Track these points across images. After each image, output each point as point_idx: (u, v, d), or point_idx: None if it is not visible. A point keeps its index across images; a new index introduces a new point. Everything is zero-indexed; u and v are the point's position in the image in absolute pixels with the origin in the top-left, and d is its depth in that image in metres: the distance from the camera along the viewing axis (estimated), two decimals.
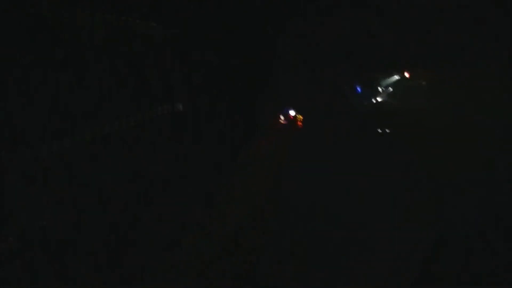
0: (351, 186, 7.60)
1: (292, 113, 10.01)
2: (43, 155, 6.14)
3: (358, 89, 10.83)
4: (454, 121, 9.32)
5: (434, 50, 10.02)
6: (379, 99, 10.94)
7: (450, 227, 6.65)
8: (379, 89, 10.92)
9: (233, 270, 6.11)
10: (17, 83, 6.80)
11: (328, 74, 10.37)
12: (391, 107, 10.75)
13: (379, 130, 10.15)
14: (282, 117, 10.01)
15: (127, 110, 7.67)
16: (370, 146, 9.04)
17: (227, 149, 8.70)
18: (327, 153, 8.50)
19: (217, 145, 8.61)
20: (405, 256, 6.23)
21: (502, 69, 9.35)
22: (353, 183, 7.66)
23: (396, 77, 10.80)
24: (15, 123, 6.05)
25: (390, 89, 10.79)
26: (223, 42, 9.72)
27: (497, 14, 9.32)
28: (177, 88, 9.45)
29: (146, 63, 8.71)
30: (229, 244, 6.47)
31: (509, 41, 9.28)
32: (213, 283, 5.96)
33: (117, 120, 7.55)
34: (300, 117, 9.99)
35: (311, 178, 7.85)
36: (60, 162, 6.27)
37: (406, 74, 10.70)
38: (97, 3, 8.19)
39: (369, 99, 10.94)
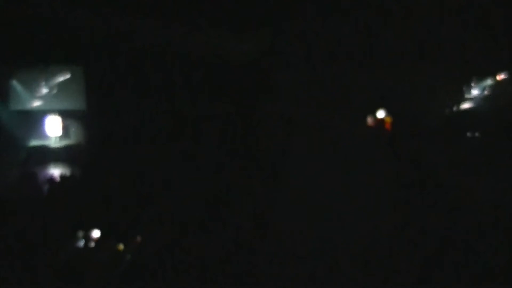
0: None
1: (380, 114, 9.78)
2: None
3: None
4: None
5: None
6: (470, 103, 10.70)
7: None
8: (473, 91, 10.67)
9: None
10: None
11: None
12: (483, 109, 10.49)
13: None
14: (369, 119, 9.82)
15: None
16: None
17: None
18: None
19: None
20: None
21: None
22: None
23: (490, 81, 10.53)
24: None
25: (485, 92, 10.53)
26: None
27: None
28: None
29: None
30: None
31: None
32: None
33: None
34: (388, 119, 9.74)
35: None
36: None
37: (498, 77, 10.44)
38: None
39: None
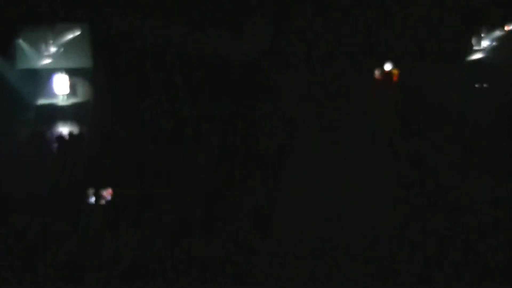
0: None
1: (388, 66, 10.00)
2: None
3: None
4: None
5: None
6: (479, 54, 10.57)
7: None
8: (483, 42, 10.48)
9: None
10: None
11: None
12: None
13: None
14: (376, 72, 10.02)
15: None
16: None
17: None
18: None
19: None
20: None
21: None
22: None
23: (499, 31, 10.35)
24: None
25: (494, 43, 10.38)
26: None
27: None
28: None
29: None
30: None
31: None
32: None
33: None
34: (395, 71, 9.95)
35: None
36: None
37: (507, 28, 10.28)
38: None
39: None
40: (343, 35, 10.39)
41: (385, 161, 8.39)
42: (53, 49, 11.71)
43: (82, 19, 10.79)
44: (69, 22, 11.38)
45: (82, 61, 11.63)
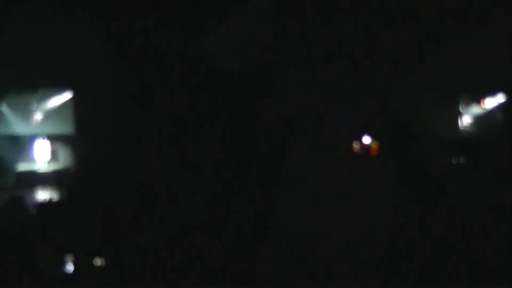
0: None
1: (366, 140, 9.39)
2: None
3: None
4: None
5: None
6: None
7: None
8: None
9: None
10: None
11: None
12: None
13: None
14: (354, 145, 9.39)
15: None
16: None
17: None
18: None
19: None
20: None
21: None
22: None
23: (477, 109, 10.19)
24: None
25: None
26: None
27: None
28: None
29: None
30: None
31: None
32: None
33: None
34: (375, 145, 9.41)
35: None
36: None
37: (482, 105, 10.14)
38: None
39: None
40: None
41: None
42: (35, 115, 11.53)
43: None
44: (52, 88, 11.22)
45: (65, 127, 11.43)
